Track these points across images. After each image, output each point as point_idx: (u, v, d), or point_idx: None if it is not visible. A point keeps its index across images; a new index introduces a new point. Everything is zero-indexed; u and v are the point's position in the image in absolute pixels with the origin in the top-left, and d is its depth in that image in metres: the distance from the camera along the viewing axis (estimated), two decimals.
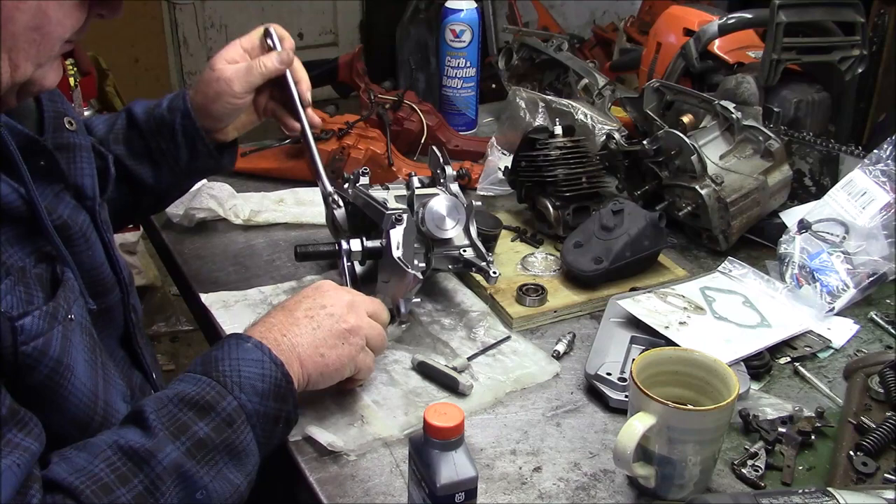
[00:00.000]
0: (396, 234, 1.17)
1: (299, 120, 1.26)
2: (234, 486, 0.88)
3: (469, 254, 1.25)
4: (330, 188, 1.29)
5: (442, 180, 1.29)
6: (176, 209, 1.49)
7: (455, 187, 1.27)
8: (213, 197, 1.51)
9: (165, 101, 1.26)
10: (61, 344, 0.86)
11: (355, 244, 1.22)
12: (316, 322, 1.01)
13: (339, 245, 1.22)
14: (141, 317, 1.14)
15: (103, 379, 0.94)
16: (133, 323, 1.09)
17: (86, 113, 2.99)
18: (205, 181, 1.49)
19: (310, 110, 1.28)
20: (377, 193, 1.27)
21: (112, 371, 0.99)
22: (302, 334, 0.99)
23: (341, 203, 1.29)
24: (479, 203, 1.28)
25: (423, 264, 1.22)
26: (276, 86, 1.26)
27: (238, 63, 1.22)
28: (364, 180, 1.30)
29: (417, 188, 1.27)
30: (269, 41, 1.23)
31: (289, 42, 1.24)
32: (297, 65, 1.26)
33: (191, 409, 0.87)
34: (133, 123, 1.27)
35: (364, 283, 1.23)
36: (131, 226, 2.65)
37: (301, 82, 1.26)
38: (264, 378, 0.92)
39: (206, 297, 1.30)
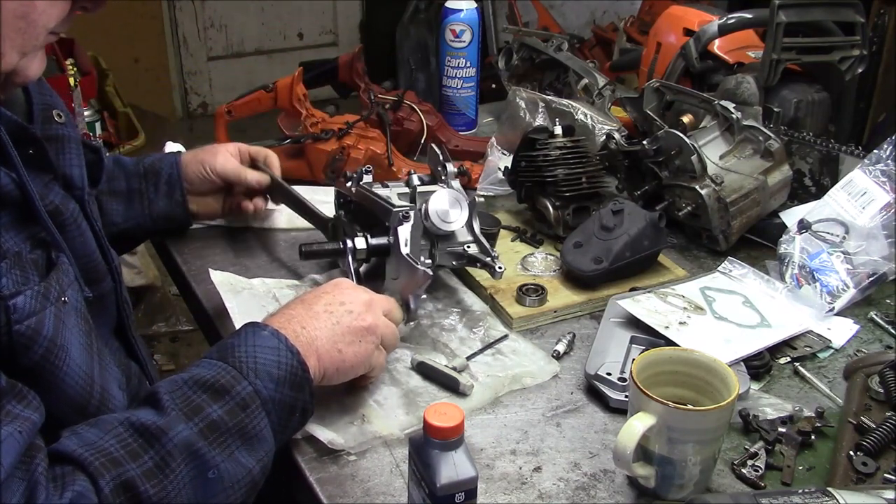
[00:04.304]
0: (404, 231, 1.17)
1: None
2: (246, 469, 0.87)
3: (473, 249, 1.24)
4: (330, 216, 1.34)
5: (444, 177, 1.29)
6: None
7: (457, 184, 1.27)
8: None
9: (158, 155, 1.43)
10: (54, 325, 0.86)
11: (360, 242, 1.22)
12: (335, 318, 1.01)
13: (345, 244, 1.22)
14: (132, 310, 1.15)
15: (99, 365, 0.95)
16: (126, 314, 1.10)
17: (86, 113, 2.99)
18: None
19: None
20: (380, 191, 1.27)
21: (108, 359, 0.99)
22: (321, 328, 0.99)
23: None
24: (482, 198, 1.28)
25: (429, 261, 1.22)
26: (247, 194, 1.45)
27: (234, 157, 1.43)
28: (368, 178, 1.31)
29: (418, 185, 1.27)
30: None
31: (275, 162, 1.47)
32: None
33: (205, 391, 0.88)
34: (120, 164, 1.38)
35: (367, 280, 1.22)
36: None
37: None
38: (280, 365, 0.92)
39: (215, 275, 1.27)
